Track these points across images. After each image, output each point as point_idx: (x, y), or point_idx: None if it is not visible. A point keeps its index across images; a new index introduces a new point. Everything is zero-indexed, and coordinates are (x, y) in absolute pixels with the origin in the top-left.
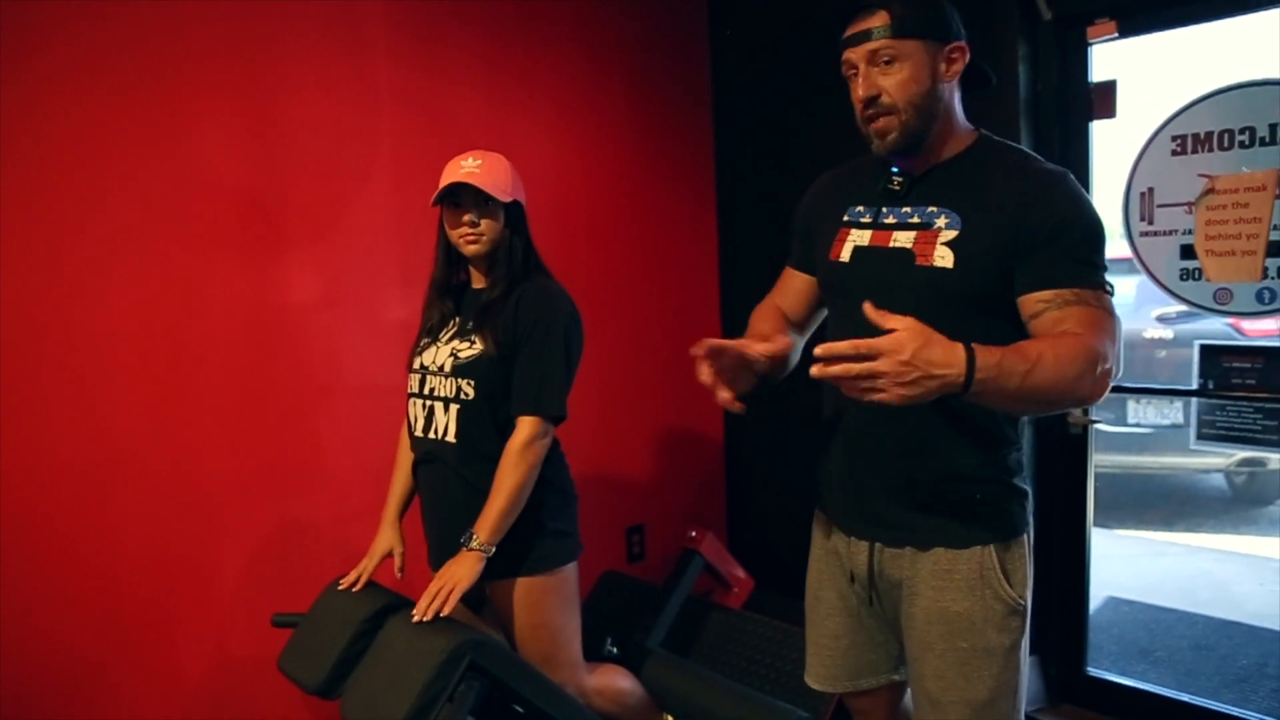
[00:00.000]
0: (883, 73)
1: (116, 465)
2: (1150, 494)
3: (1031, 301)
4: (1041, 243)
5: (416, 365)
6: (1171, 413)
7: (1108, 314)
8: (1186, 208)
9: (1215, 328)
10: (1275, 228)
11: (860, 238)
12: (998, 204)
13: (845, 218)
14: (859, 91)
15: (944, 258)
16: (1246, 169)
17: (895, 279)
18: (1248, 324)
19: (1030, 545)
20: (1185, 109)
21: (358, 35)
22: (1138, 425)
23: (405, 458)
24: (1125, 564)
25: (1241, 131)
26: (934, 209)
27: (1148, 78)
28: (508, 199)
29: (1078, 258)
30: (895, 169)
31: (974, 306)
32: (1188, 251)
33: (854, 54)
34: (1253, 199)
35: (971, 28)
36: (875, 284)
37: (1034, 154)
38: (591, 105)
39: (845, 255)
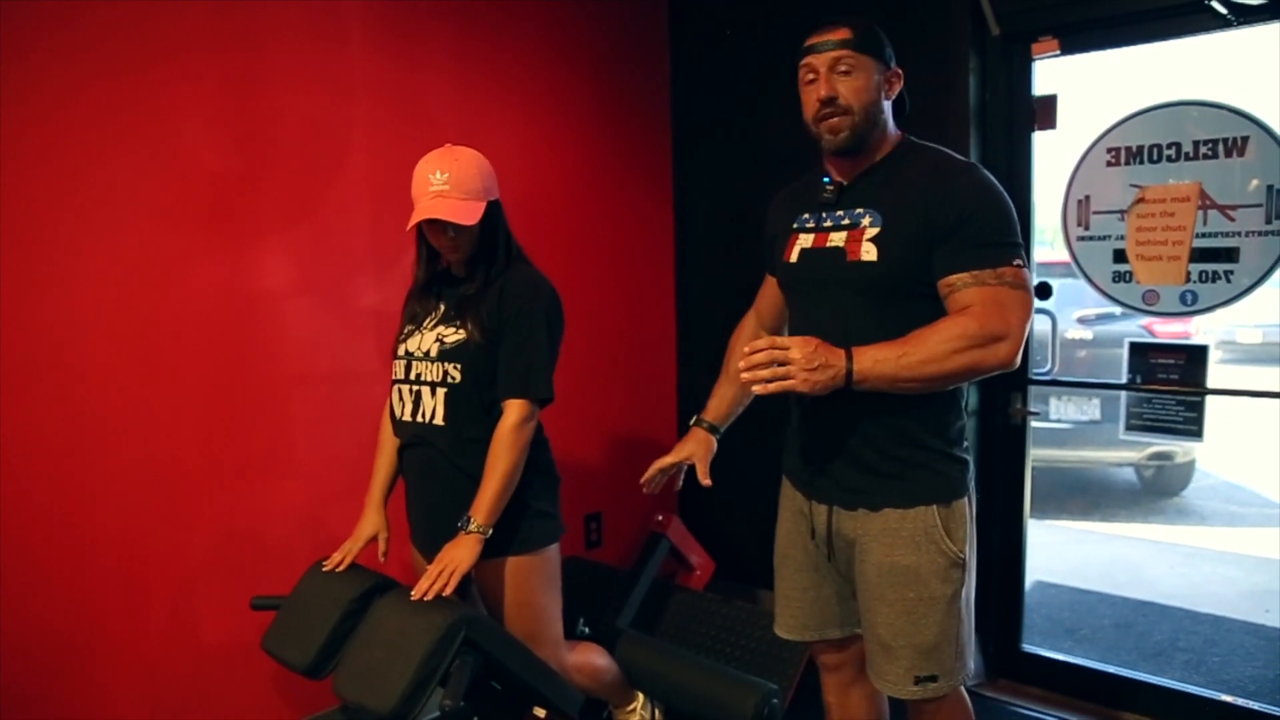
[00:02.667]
0: (841, 79)
1: (89, 449)
2: (1069, 486)
3: (942, 286)
4: (949, 231)
5: (401, 352)
6: (1090, 409)
7: (1007, 288)
8: (1119, 215)
9: (1129, 329)
10: (1198, 236)
11: (806, 241)
12: (911, 199)
13: (794, 225)
14: (820, 91)
15: (869, 252)
16: (1173, 181)
17: (832, 274)
18: (1159, 326)
19: (972, 507)
20: (1119, 124)
21: (335, 26)
22: (1059, 421)
23: (389, 442)
24: (1050, 550)
25: (1169, 146)
26: (860, 210)
27: (1087, 93)
28: (481, 210)
29: (982, 241)
30: (826, 179)
31: (898, 293)
32: (1120, 256)
33: (817, 60)
34: (1178, 209)
35: (928, 41)
36: (818, 280)
37: (949, 151)
38: (556, 99)
39: (794, 257)
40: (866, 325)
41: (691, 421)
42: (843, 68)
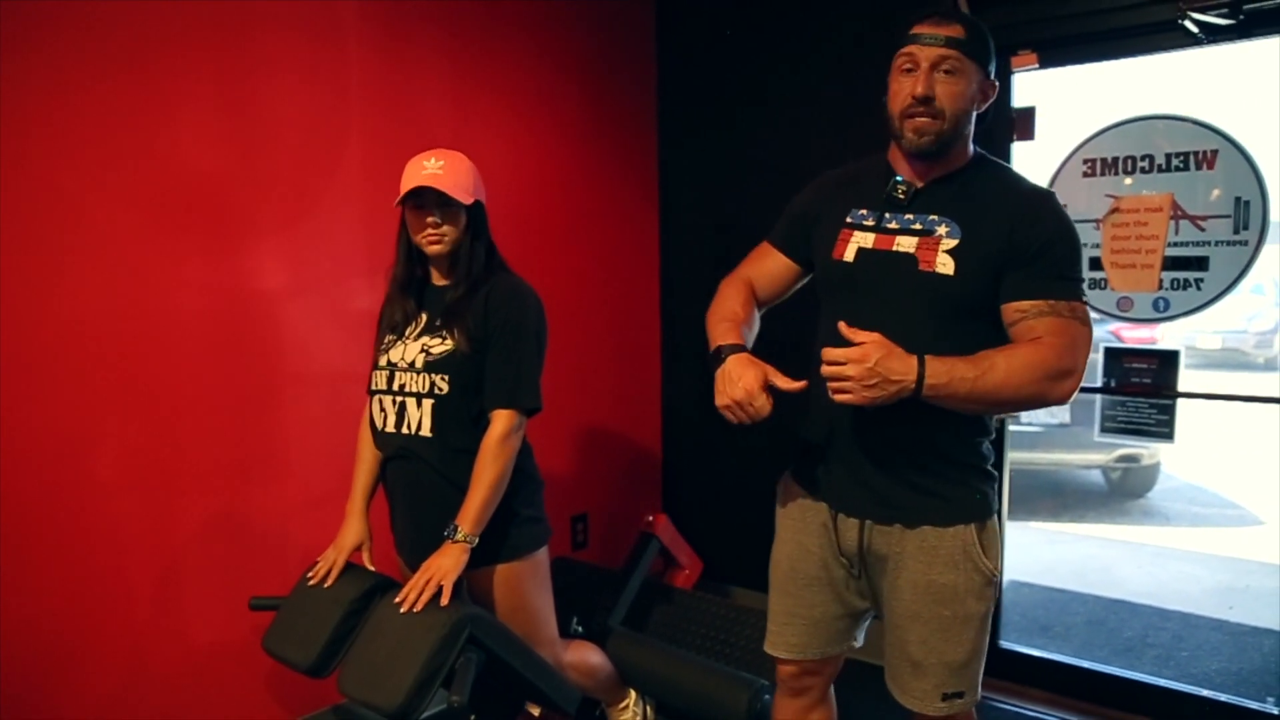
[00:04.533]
0: (943, 80)
1: (81, 450)
2: (1038, 488)
3: (1011, 310)
4: (1028, 258)
5: (384, 362)
6: (1060, 412)
7: (1078, 323)
8: (1095, 224)
9: (1099, 334)
10: (1170, 245)
11: (864, 239)
12: (993, 218)
13: (848, 219)
14: (918, 88)
15: (945, 264)
16: (1146, 191)
17: (899, 281)
18: (1127, 332)
19: (1000, 522)
20: (1095, 136)
21: (329, 27)
22: (1029, 424)
23: (369, 450)
24: (1022, 551)
25: (1142, 158)
26: (935, 218)
27: (1064, 106)
28: (470, 200)
29: (1056, 273)
30: (899, 178)
31: (969, 310)
32: (1095, 263)
33: (922, 52)
34: (1151, 218)
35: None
36: (880, 285)
37: (1022, 174)
38: (545, 102)
39: (849, 255)
40: (927, 339)
41: (725, 353)
42: (946, 68)
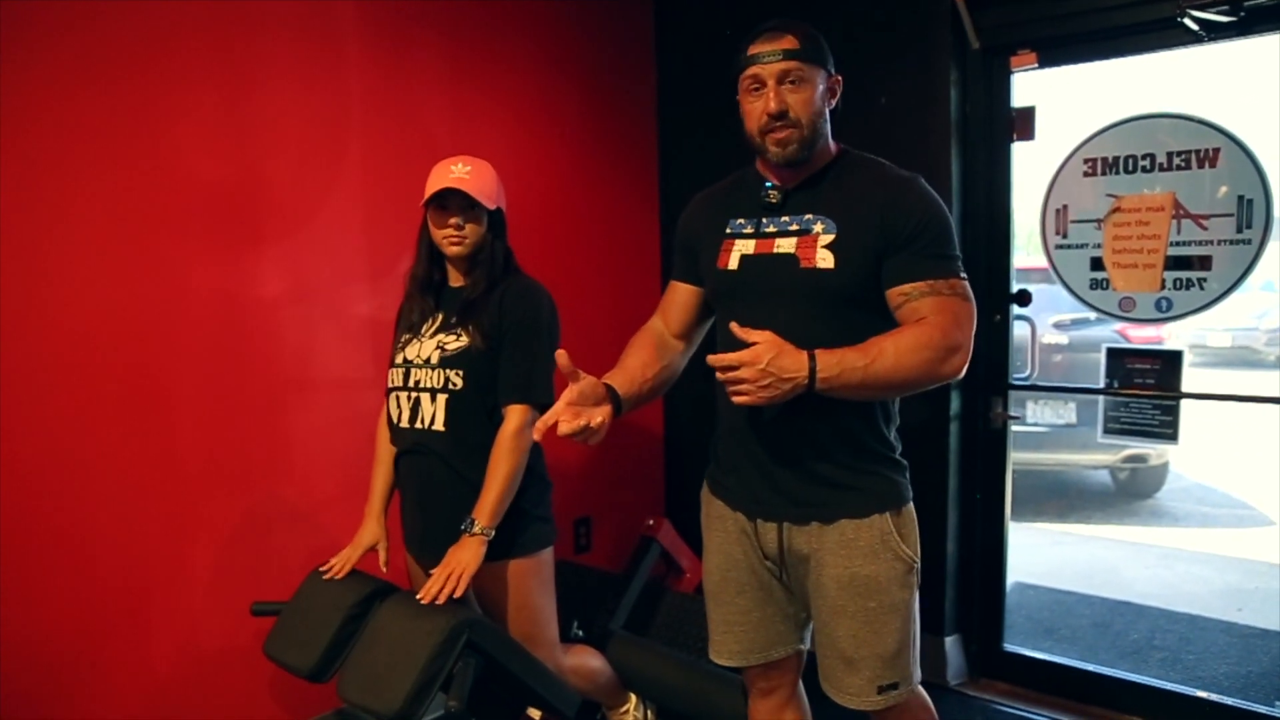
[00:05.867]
0: (790, 91)
1: (89, 456)
2: (1045, 489)
3: (894, 295)
4: (903, 242)
5: (400, 360)
6: (1066, 413)
7: (959, 298)
8: (1096, 224)
9: (1104, 334)
10: (1172, 244)
11: (745, 247)
12: (865, 209)
13: (728, 230)
14: (770, 105)
15: (825, 259)
16: (1148, 191)
17: (783, 281)
18: (1133, 331)
19: (913, 509)
20: (1096, 135)
21: (330, 33)
22: (1035, 424)
23: (386, 452)
24: (1028, 552)
25: (1144, 157)
26: (810, 216)
27: (1064, 105)
28: (493, 206)
29: (932, 253)
30: (770, 183)
31: (852, 301)
32: (1097, 263)
33: (764, 70)
34: (1153, 218)
35: (910, 54)
36: (765, 287)
37: (888, 163)
38: (546, 106)
39: (733, 264)
40: (818, 334)
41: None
42: (791, 79)
